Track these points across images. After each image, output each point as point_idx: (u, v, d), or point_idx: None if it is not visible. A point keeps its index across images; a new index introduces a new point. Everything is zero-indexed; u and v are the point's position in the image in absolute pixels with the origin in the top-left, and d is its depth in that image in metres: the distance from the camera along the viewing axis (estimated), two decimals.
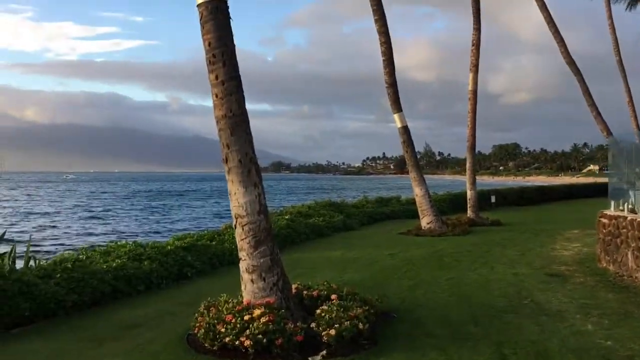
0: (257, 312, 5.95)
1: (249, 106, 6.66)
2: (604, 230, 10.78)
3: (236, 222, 6.57)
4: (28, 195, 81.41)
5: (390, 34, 17.27)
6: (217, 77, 6.47)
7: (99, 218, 42.17)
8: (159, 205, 58.98)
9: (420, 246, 14.36)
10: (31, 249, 11.22)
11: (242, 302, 6.37)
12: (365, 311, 6.38)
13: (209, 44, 6.45)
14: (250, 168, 6.51)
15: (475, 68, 20.06)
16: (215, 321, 5.97)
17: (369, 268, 11.27)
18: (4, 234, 9.70)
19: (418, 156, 18.62)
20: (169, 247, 10.39)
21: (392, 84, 17.37)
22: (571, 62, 27.68)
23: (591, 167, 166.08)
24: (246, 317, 5.88)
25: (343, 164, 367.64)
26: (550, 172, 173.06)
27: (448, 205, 26.38)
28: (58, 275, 7.78)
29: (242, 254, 6.56)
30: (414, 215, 19.81)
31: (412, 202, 20.85)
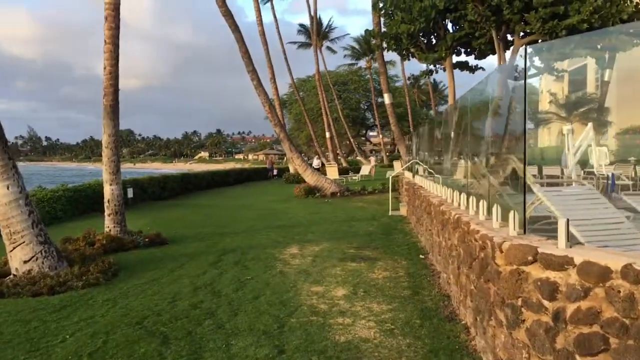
0: None
1: None
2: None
3: None
4: None
5: None
6: None
7: None
8: None
9: None
10: None
11: None
12: None
13: None
14: None
15: None
16: None
17: None
18: None
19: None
20: None
21: None
22: (227, 14, 21.62)
23: (202, 154, 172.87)
24: None
25: None
26: (165, 158, 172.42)
27: (65, 206, 16.64)
28: None
29: None
30: None
31: None
